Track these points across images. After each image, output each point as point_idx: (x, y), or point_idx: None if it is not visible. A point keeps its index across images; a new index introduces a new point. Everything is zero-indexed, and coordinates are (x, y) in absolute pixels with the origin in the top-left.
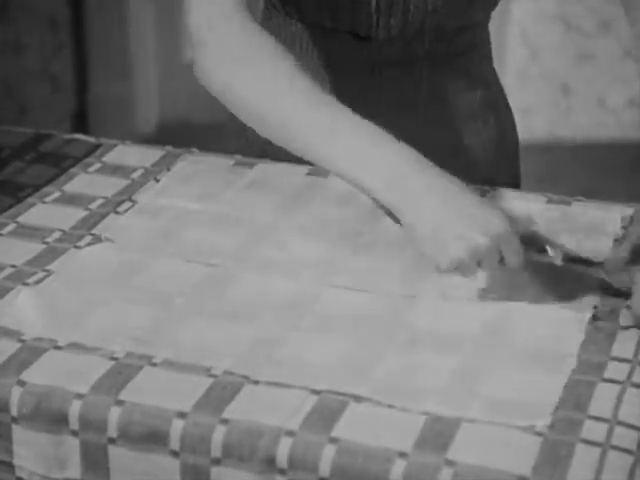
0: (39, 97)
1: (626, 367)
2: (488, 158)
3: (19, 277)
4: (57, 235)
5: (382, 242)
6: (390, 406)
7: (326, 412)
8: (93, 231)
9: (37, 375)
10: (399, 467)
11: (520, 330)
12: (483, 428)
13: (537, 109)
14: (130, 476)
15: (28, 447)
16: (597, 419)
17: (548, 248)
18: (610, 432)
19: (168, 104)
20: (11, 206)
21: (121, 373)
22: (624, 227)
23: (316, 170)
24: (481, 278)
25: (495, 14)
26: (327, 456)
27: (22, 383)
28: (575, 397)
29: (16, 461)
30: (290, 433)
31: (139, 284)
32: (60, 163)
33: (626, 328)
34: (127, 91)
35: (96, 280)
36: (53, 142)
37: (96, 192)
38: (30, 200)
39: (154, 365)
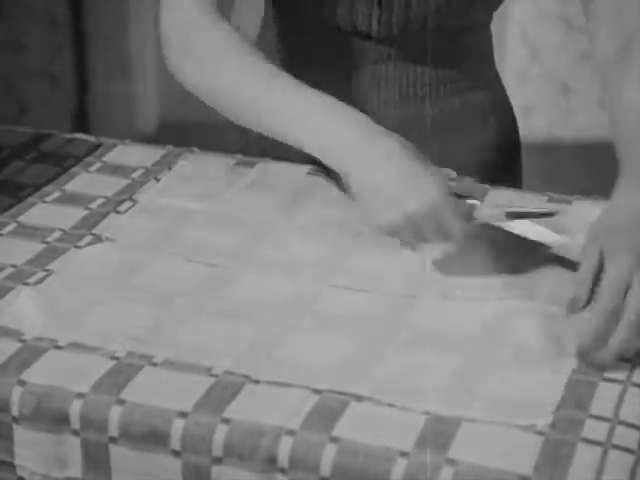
0: (39, 96)
1: (627, 366)
2: (489, 158)
3: (19, 277)
4: (57, 235)
5: (382, 242)
6: (391, 405)
7: (327, 412)
8: (94, 231)
9: (38, 375)
10: (400, 466)
11: (520, 330)
12: (484, 427)
13: (537, 109)
14: (131, 476)
15: (29, 447)
16: (598, 418)
17: (474, 200)
18: (611, 431)
19: (168, 104)
20: (11, 206)
21: (122, 373)
22: None
23: (317, 170)
24: (429, 251)
25: (495, 14)
26: (328, 455)
27: (23, 383)
28: (576, 396)
29: (17, 461)
30: (291, 432)
31: (139, 284)
32: (60, 162)
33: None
34: (127, 90)
35: (96, 280)
36: (53, 141)
37: (96, 192)
38: (30, 200)
39: (155, 365)
